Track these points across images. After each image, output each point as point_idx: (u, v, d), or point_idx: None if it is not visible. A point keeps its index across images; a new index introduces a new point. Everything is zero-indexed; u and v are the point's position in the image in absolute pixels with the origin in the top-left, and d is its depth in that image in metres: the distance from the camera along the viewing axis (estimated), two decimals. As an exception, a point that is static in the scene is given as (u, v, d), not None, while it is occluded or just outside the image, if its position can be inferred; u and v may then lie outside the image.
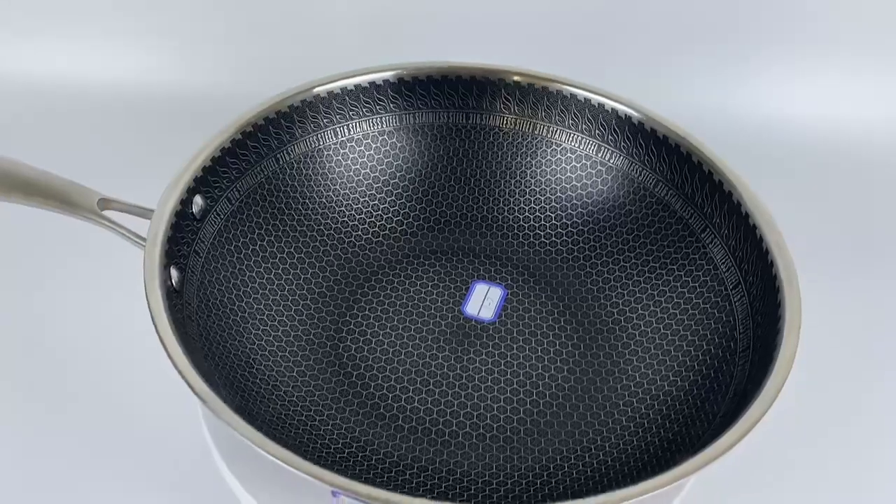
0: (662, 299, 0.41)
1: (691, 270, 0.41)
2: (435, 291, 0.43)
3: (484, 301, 0.42)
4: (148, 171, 0.44)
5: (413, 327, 0.41)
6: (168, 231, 0.35)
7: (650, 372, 0.39)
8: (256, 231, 0.41)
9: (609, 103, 0.45)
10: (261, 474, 0.33)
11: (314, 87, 0.45)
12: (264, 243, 0.41)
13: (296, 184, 0.44)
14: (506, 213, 0.47)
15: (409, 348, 0.40)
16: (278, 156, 0.43)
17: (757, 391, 0.31)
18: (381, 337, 0.40)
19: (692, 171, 0.42)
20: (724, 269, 0.39)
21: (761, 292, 0.36)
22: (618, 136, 0.45)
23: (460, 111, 0.48)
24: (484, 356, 0.40)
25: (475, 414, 0.38)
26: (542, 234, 0.45)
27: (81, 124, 0.62)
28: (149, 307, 0.31)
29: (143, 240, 0.34)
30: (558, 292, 0.43)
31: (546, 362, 0.40)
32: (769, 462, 0.42)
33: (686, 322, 0.39)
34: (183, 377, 0.29)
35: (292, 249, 0.42)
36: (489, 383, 0.39)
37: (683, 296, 0.40)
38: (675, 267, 0.41)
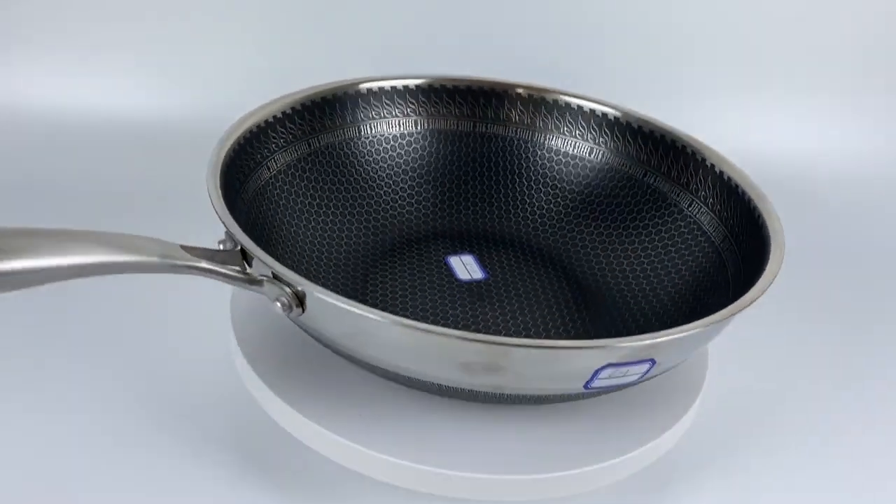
0: (652, 253, 0.48)
1: (669, 225, 0.49)
2: (436, 267, 0.48)
3: (467, 267, 0.48)
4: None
5: (423, 287, 0.46)
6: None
7: (652, 289, 0.45)
8: (309, 183, 0.49)
9: (588, 105, 0.53)
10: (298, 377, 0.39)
11: (362, 83, 0.53)
12: (322, 191, 0.49)
13: (355, 153, 0.52)
14: (508, 198, 0.54)
15: (421, 298, 0.44)
16: (345, 129, 0.52)
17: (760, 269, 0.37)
18: (402, 289, 0.45)
19: (679, 155, 0.50)
20: (697, 216, 0.47)
21: (740, 228, 0.44)
22: (598, 130, 0.52)
23: (470, 119, 0.55)
24: (487, 310, 0.45)
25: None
26: (538, 214, 0.53)
27: (87, 155, 0.67)
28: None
29: (241, 274, 0.35)
30: (563, 263, 0.50)
31: (545, 311, 0.45)
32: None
33: (674, 263, 0.47)
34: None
35: (342, 201, 0.49)
36: (490, 327, 0.43)
37: (669, 237, 0.48)
38: (651, 224, 0.49)
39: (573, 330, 0.44)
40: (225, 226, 0.36)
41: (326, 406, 0.38)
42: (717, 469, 0.44)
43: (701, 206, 0.47)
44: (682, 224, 0.47)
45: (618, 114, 0.51)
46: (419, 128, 0.54)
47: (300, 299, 0.34)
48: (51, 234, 0.32)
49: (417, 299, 0.45)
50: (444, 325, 0.38)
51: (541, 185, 0.54)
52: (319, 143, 0.51)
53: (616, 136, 0.51)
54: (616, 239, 0.50)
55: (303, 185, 0.49)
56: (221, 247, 0.38)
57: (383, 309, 0.36)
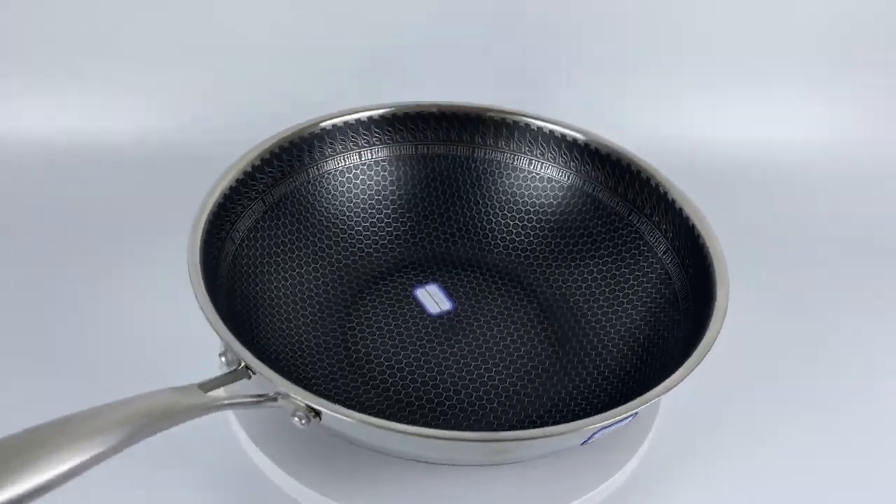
0: (608, 275, 0.52)
1: (630, 251, 0.52)
2: (406, 302, 0.50)
3: (434, 298, 0.50)
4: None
5: (398, 328, 0.48)
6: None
7: (608, 327, 0.48)
8: (272, 241, 0.50)
9: (558, 129, 0.55)
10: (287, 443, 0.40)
11: (322, 122, 0.53)
12: (285, 246, 0.50)
13: (310, 198, 0.53)
14: (477, 225, 0.57)
15: (399, 340, 0.47)
16: (297, 175, 0.52)
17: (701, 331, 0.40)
18: (379, 334, 0.48)
19: (626, 175, 0.53)
20: (654, 244, 0.51)
21: (690, 255, 0.48)
22: (567, 155, 0.55)
23: (443, 144, 0.56)
24: (462, 342, 0.48)
25: (460, 386, 0.45)
26: (506, 238, 0.56)
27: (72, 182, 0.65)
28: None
29: (258, 398, 0.36)
30: (526, 287, 0.53)
31: (514, 337, 0.48)
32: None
33: (631, 286, 0.51)
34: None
35: (306, 252, 0.50)
36: (468, 361, 0.46)
37: (627, 267, 0.51)
38: (613, 249, 0.53)
39: (546, 360, 0.49)
40: (233, 350, 0.37)
41: (333, 478, 0.40)
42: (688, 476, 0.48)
43: (655, 231, 0.51)
44: (641, 248, 0.51)
45: (582, 137, 0.54)
46: (375, 156, 0.56)
47: (316, 411, 0.36)
48: (61, 427, 0.29)
49: (397, 345, 0.48)
50: (427, 370, 0.46)
51: (502, 207, 0.56)
52: (273, 196, 0.51)
53: (577, 157, 0.54)
54: (580, 261, 0.53)
55: (266, 245, 0.50)
56: (223, 360, 0.39)
57: (368, 366, 0.46)
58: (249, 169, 0.49)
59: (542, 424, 0.42)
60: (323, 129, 0.53)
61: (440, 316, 0.51)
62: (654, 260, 0.50)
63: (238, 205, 0.49)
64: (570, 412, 0.45)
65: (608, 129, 0.54)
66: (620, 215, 0.53)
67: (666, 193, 0.50)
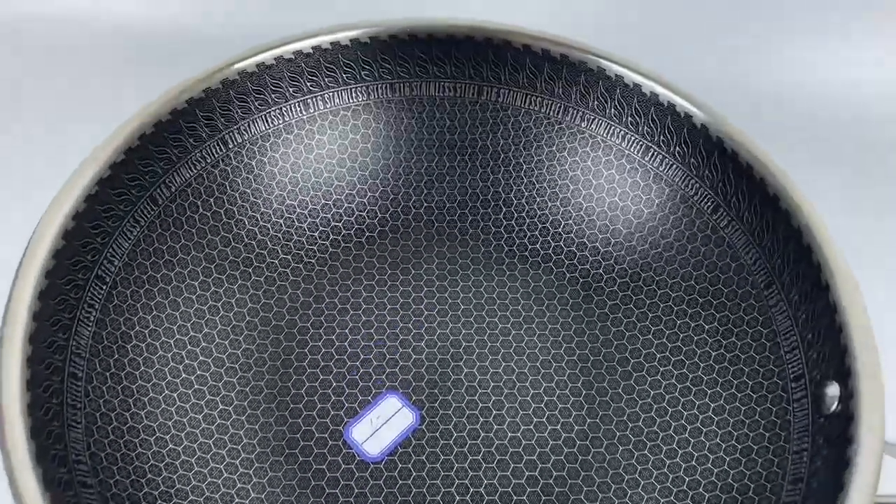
0: (705, 361, 0.32)
1: (746, 340, 0.32)
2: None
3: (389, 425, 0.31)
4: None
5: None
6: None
7: (690, 447, 0.31)
8: (169, 267, 0.32)
9: (665, 95, 0.31)
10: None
11: (237, 63, 0.32)
12: (179, 282, 0.32)
13: (226, 186, 0.33)
14: (504, 222, 0.36)
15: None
16: (190, 163, 0.32)
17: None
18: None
19: (768, 210, 0.30)
20: (786, 347, 0.31)
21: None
22: (671, 138, 0.32)
23: (451, 82, 0.34)
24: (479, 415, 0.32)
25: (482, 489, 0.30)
26: (553, 254, 0.35)
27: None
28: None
29: None
30: (571, 332, 0.34)
31: (555, 424, 0.31)
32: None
33: (737, 401, 0.31)
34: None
35: (215, 290, 0.33)
36: (494, 452, 0.31)
37: (735, 366, 0.32)
38: (725, 329, 0.32)
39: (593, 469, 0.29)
40: None
41: None
42: None
43: (787, 316, 0.28)
44: (764, 334, 0.30)
45: (702, 115, 0.31)
46: (330, 105, 0.35)
47: None
48: None
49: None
50: None
51: (539, 201, 0.36)
52: (167, 191, 0.31)
53: (685, 146, 0.32)
54: (660, 321, 0.33)
55: (157, 276, 0.31)
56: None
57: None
58: (107, 175, 0.28)
59: None
60: (244, 74, 0.32)
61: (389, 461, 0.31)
62: (777, 361, 0.29)
63: (100, 227, 0.29)
64: None
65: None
66: (751, 280, 0.31)
67: (819, 267, 0.27)
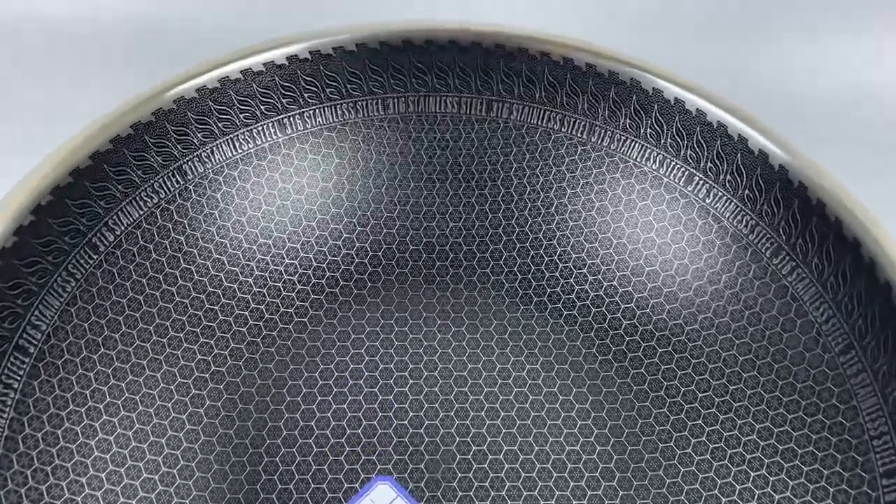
0: (768, 449, 0.27)
1: (818, 417, 0.26)
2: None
3: None
4: None
5: None
6: None
7: None
8: (113, 327, 0.27)
9: (715, 113, 0.25)
10: None
11: (194, 77, 0.26)
12: (126, 346, 0.27)
13: (164, 243, 0.27)
14: (517, 261, 0.30)
15: None
16: (138, 199, 0.27)
17: None
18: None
19: (846, 257, 0.24)
20: (872, 431, 0.25)
21: None
22: (721, 164, 0.26)
23: (455, 96, 0.28)
24: None
25: None
26: (577, 300, 0.29)
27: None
28: None
29: None
30: (601, 398, 0.28)
31: None
32: None
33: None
34: None
35: (171, 352, 0.28)
36: None
37: (804, 450, 0.26)
38: (789, 401, 0.26)
39: None
40: None
41: None
42: None
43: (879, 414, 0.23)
44: (845, 432, 0.23)
45: (784, 156, 0.25)
46: (302, 128, 0.29)
47: None
48: None
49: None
50: None
51: (570, 236, 0.29)
52: (110, 236, 0.24)
53: (737, 168, 0.25)
54: (712, 410, 0.26)
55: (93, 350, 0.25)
56: None
57: None
58: (28, 221, 0.22)
59: None
60: (203, 91, 0.26)
61: None
62: (860, 448, 0.23)
63: (20, 286, 0.23)
64: None
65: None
66: (822, 342, 0.24)
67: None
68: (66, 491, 0.22)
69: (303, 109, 0.28)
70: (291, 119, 0.28)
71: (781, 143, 0.25)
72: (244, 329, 0.27)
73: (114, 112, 0.24)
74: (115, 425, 0.24)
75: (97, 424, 0.24)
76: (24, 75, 0.43)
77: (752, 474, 0.24)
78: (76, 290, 0.24)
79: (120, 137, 0.24)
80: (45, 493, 0.22)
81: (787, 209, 0.25)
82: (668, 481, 0.25)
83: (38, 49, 0.45)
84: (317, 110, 0.28)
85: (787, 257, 0.26)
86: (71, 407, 0.23)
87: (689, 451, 0.25)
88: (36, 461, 0.22)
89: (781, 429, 0.25)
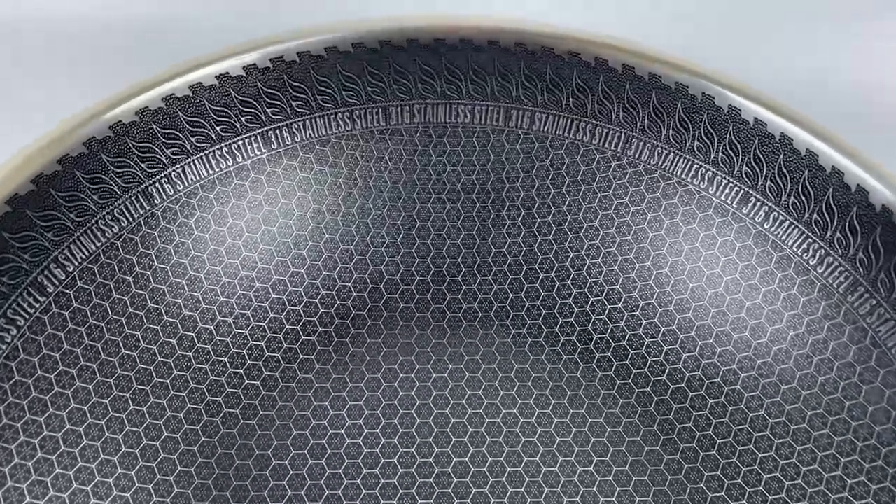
0: None
1: None
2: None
3: None
4: None
5: None
6: None
7: None
8: (64, 383, 0.22)
9: (777, 123, 0.21)
10: None
11: (160, 84, 0.22)
12: (81, 403, 0.23)
13: (127, 279, 0.23)
14: (541, 294, 0.25)
15: None
16: (94, 229, 0.22)
17: None
18: None
19: None
20: None
21: None
22: (784, 183, 0.22)
23: (468, 103, 0.24)
24: None
25: None
26: (612, 340, 0.25)
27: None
28: None
29: None
30: (642, 459, 0.24)
31: None
32: None
33: None
34: None
35: (135, 408, 0.23)
36: None
37: None
38: (873, 467, 0.22)
39: None
40: None
41: None
42: None
43: None
44: None
45: (883, 190, 0.19)
46: (273, 148, 0.23)
47: None
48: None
49: None
50: None
51: (603, 265, 0.25)
52: (60, 274, 0.20)
53: (803, 188, 0.21)
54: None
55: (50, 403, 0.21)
56: None
57: None
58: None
59: None
60: (171, 100, 0.22)
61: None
62: None
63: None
64: None
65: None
66: None
67: None
68: None
69: (290, 120, 0.24)
70: (277, 131, 0.24)
71: (861, 160, 0.20)
72: (222, 378, 0.23)
73: (60, 126, 0.19)
74: (66, 502, 0.20)
75: (42, 503, 0.19)
76: (24, 75, 0.40)
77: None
78: (18, 341, 0.20)
79: (70, 157, 0.20)
80: None
81: (865, 237, 0.21)
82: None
83: (38, 49, 0.42)
84: (307, 121, 0.24)
85: (866, 294, 0.21)
86: (9, 483, 0.19)
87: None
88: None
89: (864, 502, 0.20)
